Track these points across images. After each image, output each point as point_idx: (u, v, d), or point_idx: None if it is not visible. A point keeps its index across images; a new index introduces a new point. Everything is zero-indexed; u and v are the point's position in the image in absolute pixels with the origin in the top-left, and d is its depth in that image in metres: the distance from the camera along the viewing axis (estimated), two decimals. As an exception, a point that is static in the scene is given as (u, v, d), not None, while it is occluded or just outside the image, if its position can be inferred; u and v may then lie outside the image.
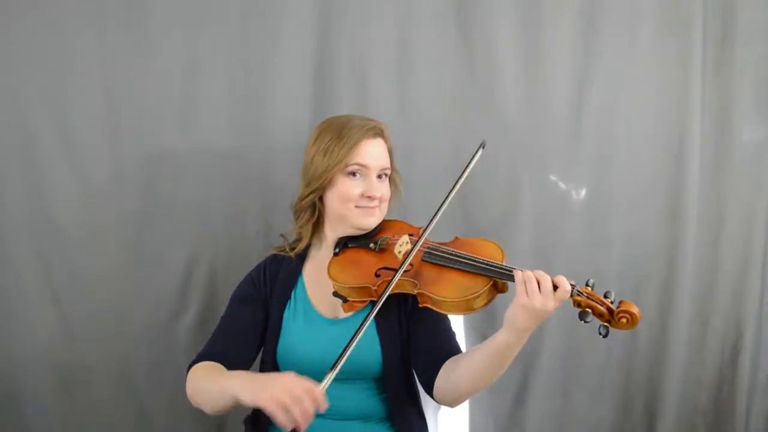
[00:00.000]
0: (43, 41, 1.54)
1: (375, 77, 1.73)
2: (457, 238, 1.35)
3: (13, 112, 1.54)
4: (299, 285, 1.40)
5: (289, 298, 1.38)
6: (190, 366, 1.30)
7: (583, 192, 1.85)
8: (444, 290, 1.20)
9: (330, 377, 1.09)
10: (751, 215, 1.93)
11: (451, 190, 1.26)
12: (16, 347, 1.58)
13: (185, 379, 1.66)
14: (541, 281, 1.10)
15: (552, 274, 1.13)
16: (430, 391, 1.30)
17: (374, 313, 1.17)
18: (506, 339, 1.14)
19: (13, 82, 1.53)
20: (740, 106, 1.89)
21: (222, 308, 1.67)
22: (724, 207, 1.92)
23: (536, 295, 1.10)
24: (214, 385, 1.19)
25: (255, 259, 1.67)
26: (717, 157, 1.90)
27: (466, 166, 1.27)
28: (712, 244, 1.93)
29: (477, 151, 1.28)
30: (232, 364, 1.28)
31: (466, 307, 1.19)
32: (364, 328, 1.15)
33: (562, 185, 1.84)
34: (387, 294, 1.20)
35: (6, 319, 1.57)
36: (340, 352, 1.20)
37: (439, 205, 1.26)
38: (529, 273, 1.12)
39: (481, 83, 1.78)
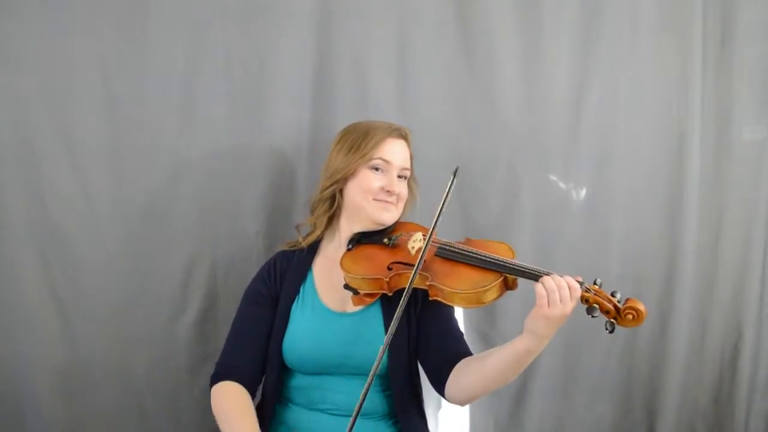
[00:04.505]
0: (43, 41, 1.53)
1: (375, 77, 1.73)
2: (468, 239, 1.37)
3: (13, 112, 1.53)
4: (308, 279, 1.43)
5: (298, 291, 1.41)
6: (213, 377, 1.37)
7: (583, 191, 1.86)
8: (455, 283, 1.23)
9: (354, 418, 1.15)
10: (751, 215, 1.94)
11: (435, 221, 1.26)
12: (16, 348, 1.58)
13: (185, 380, 1.68)
14: (560, 289, 1.13)
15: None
16: (440, 390, 1.33)
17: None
18: (527, 346, 1.17)
19: (13, 82, 1.53)
20: (740, 106, 1.90)
21: (222, 308, 1.69)
22: (724, 207, 1.93)
23: (557, 304, 1.12)
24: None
25: (255, 259, 1.68)
26: (717, 157, 1.91)
27: (445, 196, 1.27)
28: (712, 244, 1.93)
29: (452, 179, 1.28)
30: (249, 375, 1.36)
31: (476, 300, 1.22)
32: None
33: (562, 185, 1.84)
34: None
35: (6, 320, 1.57)
36: (348, 351, 1.28)
37: (441, 202, 1.26)
38: (551, 283, 1.13)
39: (481, 83, 1.78)
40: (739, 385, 1.96)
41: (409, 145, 1.46)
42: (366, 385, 1.16)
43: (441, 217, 1.27)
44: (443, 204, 1.25)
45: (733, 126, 1.90)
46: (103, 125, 1.58)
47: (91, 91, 1.57)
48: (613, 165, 1.86)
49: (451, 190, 1.26)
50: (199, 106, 1.64)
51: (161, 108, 1.61)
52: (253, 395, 1.38)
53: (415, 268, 1.23)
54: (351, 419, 1.15)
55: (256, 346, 1.38)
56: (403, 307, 1.20)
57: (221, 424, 1.30)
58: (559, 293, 1.13)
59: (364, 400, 1.16)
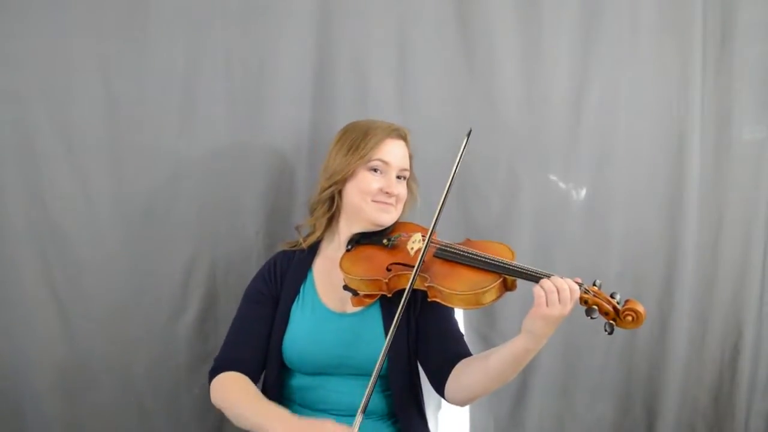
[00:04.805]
0: (43, 41, 1.53)
1: (375, 77, 1.73)
2: (468, 240, 1.37)
3: (13, 112, 1.54)
4: (308, 279, 1.43)
5: (298, 292, 1.41)
6: (212, 371, 1.36)
7: (583, 191, 1.86)
8: (455, 284, 1.22)
9: (359, 418, 1.15)
10: (751, 215, 1.94)
11: (450, 183, 1.28)
12: (17, 346, 1.58)
13: (185, 379, 1.68)
14: (560, 290, 1.13)
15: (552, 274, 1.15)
16: (440, 391, 1.33)
17: (402, 308, 1.20)
18: (525, 345, 1.17)
19: (13, 82, 1.53)
20: (740, 106, 1.90)
21: (222, 308, 1.68)
22: (724, 207, 1.93)
23: (556, 305, 1.12)
24: (250, 416, 1.24)
25: (255, 259, 1.68)
26: (717, 157, 1.91)
27: (459, 158, 1.29)
28: (712, 244, 1.94)
29: (465, 141, 1.30)
30: (249, 369, 1.35)
31: (475, 302, 1.21)
32: (395, 325, 1.20)
33: (562, 185, 1.84)
34: (411, 287, 1.22)
35: (6, 319, 1.57)
36: (347, 351, 1.29)
37: (441, 199, 1.27)
38: (549, 284, 1.13)
39: (481, 83, 1.78)
40: (739, 385, 1.96)
41: (408, 145, 1.45)
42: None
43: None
44: (454, 173, 1.26)
45: (733, 126, 1.90)
46: (103, 125, 1.59)
47: (91, 91, 1.57)
48: (613, 165, 1.86)
49: (463, 155, 1.27)
50: (199, 106, 1.64)
51: (161, 108, 1.61)
52: None
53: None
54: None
55: (255, 343, 1.38)
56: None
57: (233, 411, 1.28)
58: (558, 295, 1.12)
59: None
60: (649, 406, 1.95)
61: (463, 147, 1.29)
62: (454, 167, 1.28)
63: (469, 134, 1.31)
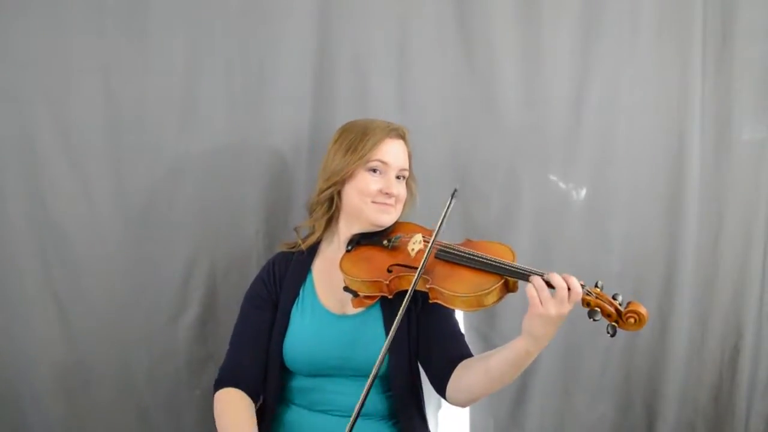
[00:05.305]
0: (43, 41, 1.53)
1: (375, 77, 1.73)
2: (468, 240, 1.36)
3: (13, 112, 1.54)
4: (308, 281, 1.43)
5: (298, 294, 1.41)
6: (217, 383, 1.37)
7: (583, 192, 1.86)
8: (456, 286, 1.22)
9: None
10: (751, 215, 1.93)
11: (435, 235, 1.24)
12: (16, 347, 1.58)
13: (185, 380, 1.68)
14: (557, 289, 1.11)
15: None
16: (442, 392, 1.33)
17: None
18: (526, 347, 1.16)
19: (13, 82, 1.53)
20: (740, 106, 1.89)
21: (222, 308, 1.69)
22: (724, 207, 1.93)
23: (550, 303, 1.11)
24: None
25: (255, 259, 1.68)
26: (717, 157, 1.91)
27: (443, 217, 1.25)
28: (712, 244, 1.93)
29: (450, 200, 1.26)
30: (253, 378, 1.36)
31: (476, 303, 1.21)
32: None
33: (562, 185, 1.84)
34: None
35: (6, 319, 1.57)
36: (348, 353, 1.28)
37: (441, 217, 1.26)
38: (540, 282, 1.12)
39: (481, 83, 1.78)
40: (739, 385, 1.95)
41: (407, 144, 1.44)
42: (366, 387, 1.15)
43: (442, 226, 1.26)
44: (441, 222, 1.24)
45: (733, 126, 1.90)
46: (103, 125, 1.59)
47: (91, 90, 1.57)
48: (613, 165, 1.86)
49: (449, 212, 1.24)
50: (200, 106, 1.64)
51: (161, 108, 1.61)
52: (257, 399, 1.38)
53: (417, 273, 1.22)
54: (350, 421, 1.15)
55: (258, 351, 1.38)
56: (404, 312, 1.19)
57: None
58: (554, 293, 1.11)
59: (363, 402, 1.15)
60: (649, 406, 1.95)
61: (447, 205, 1.25)
62: (440, 222, 1.24)
63: (454, 194, 1.26)
